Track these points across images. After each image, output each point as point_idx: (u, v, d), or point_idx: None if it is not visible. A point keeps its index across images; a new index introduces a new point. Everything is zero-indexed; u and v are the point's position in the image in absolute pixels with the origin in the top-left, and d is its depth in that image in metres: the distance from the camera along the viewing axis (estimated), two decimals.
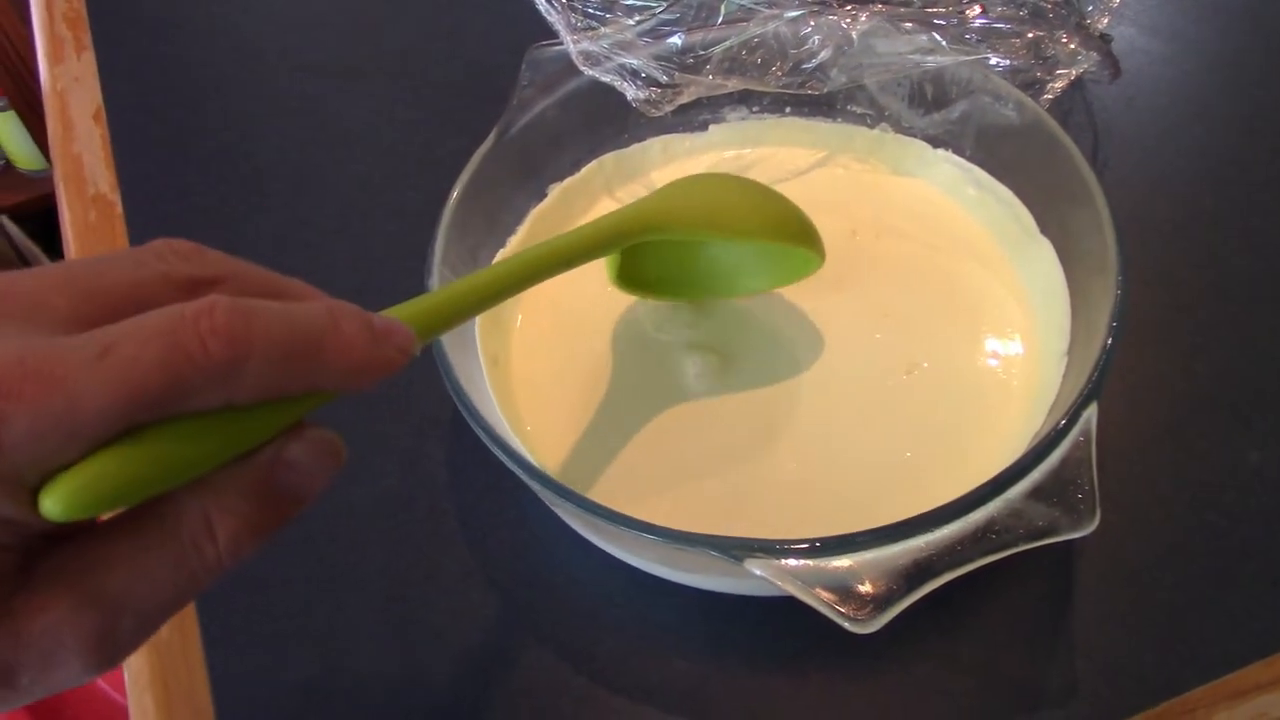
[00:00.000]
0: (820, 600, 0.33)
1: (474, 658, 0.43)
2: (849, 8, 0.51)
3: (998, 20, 0.53)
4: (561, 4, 0.51)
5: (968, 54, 0.50)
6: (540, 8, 0.51)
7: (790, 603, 0.36)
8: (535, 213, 0.52)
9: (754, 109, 0.55)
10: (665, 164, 0.55)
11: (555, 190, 0.53)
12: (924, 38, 0.50)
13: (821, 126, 0.55)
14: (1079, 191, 0.44)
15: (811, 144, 0.56)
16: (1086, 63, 0.54)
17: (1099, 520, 0.35)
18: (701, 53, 0.51)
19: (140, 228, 0.60)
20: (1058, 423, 0.36)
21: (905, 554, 0.34)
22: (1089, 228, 0.44)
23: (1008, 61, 0.53)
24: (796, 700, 0.41)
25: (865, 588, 0.33)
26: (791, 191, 0.54)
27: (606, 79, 0.50)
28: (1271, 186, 0.56)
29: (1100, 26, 0.57)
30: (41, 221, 1.63)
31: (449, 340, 0.42)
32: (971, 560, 0.34)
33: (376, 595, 0.45)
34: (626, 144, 0.55)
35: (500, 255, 0.50)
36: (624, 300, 0.50)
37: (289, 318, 0.26)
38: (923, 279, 0.50)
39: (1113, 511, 0.35)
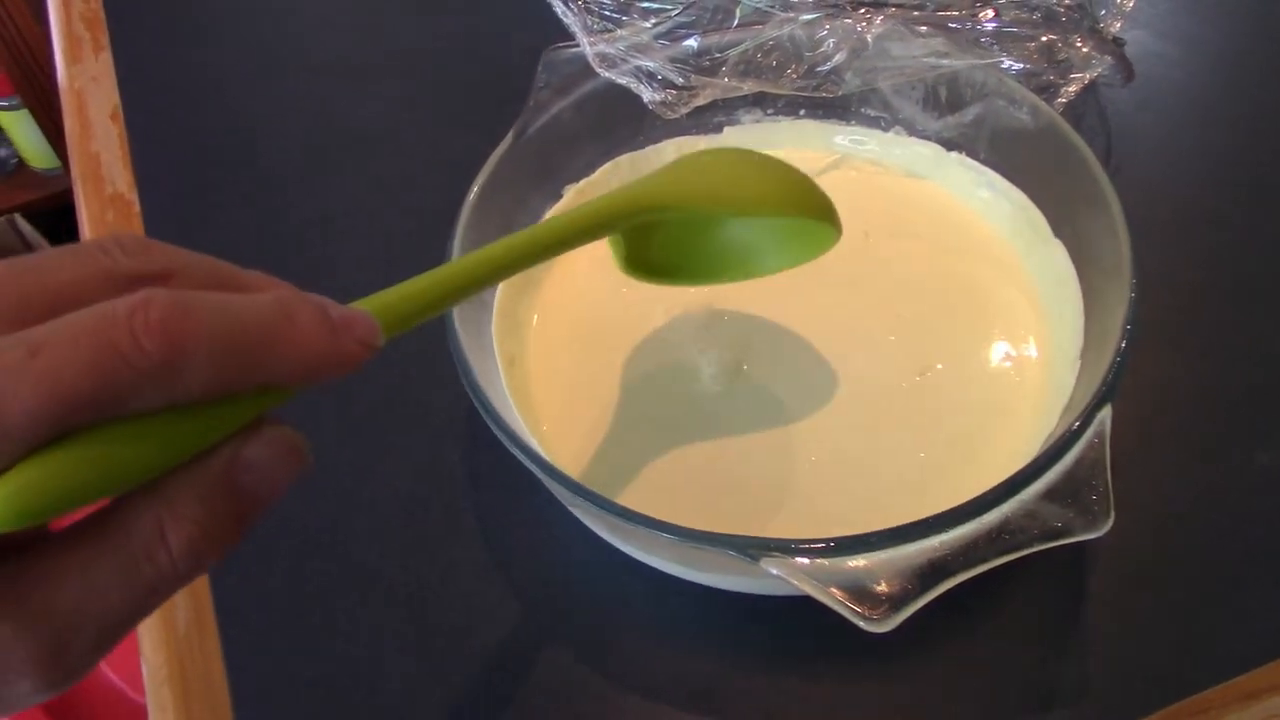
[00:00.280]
0: (836, 599, 0.34)
1: (491, 656, 0.43)
2: (864, 11, 0.52)
3: (1011, 24, 0.54)
4: (578, 6, 0.51)
5: (981, 57, 0.50)
6: (557, 10, 0.52)
7: (804, 602, 0.36)
8: (551, 214, 0.52)
9: (768, 111, 0.56)
10: None
11: (570, 191, 0.53)
12: (938, 41, 0.50)
13: (836, 129, 0.56)
14: (1093, 195, 0.45)
15: (825, 146, 0.56)
16: (1100, 66, 0.54)
17: (1113, 521, 0.35)
18: (717, 55, 0.51)
19: (158, 226, 0.61)
20: (1072, 424, 0.37)
21: (920, 554, 0.34)
22: (1102, 231, 0.44)
23: (1021, 65, 0.53)
24: (810, 699, 0.41)
25: (881, 587, 0.34)
26: None
27: (623, 81, 0.50)
28: None
29: (1113, 30, 0.58)
30: (54, 220, 1.63)
31: (467, 341, 0.42)
32: (986, 560, 0.34)
33: (394, 593, 0.45)
34: (641, 146, 0.55)
35: None
36: (640, 301, 0.50)
37: (233, 311, 0.24)
38: (936, 281, 0.50)
39: (1123, 513, 0.35)
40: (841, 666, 0.42)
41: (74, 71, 0.71)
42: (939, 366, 0.47)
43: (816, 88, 0.52)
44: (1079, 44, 0.54)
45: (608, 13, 0.52)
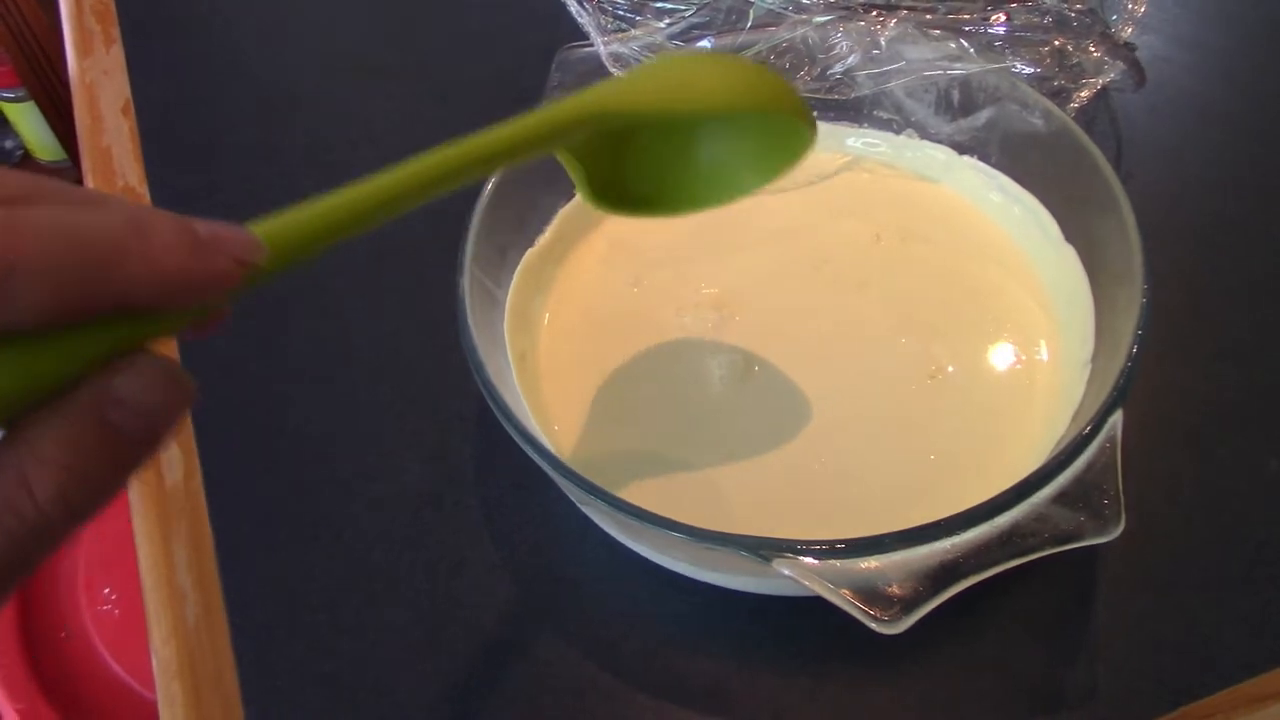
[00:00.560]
0: (847, 601, 0.34)
1: (499, 653, 0.44)
2: (876, 14, 0.52)
3: (1023, 28, 0.54)
4: (593, 6, 0.52)
5: (994, 61, 0.51)
6: (571, 9, 0.52)
7: (813, 603, 0.36)
8: (562, 213, 0.52)
9: None
10: None
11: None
12: (951, 44, 0.51)
13: (848, 131, 0.56)
14: (1104, 200, 0.45)
15: (837, 148, 0.56)
16: (1112, 71, 0.54)
17: (1124, 526, 0.35)
18: None
19: None
20: (1084, 428, 0.37)
21: (932, 556, 0.34)
22: (1114, 236, 0.44)
23: (1033, 69, 0.53)
24: (818, 699, 0.41)
25: (892, 589, 0.34)
26: (816, 195, 0.54)
27: None
28: None
29: (1124, 36, 0.58)
30: None
31: (479, 337, 0.42)
32: (997, 563, 0.34)
33: (403, 589, 0.46)
34: None
35: (528, 255, 0.50)
36: (651, 300, 0.50)
37: (72, 226, 0.22)
38: (947, 284, 0.50)
39: (1132, 517, 0.36)
40: (851, 667, 0.42)
41: (85, 65, 0.71)
42: (950, 369, 0.47)
43: (829, 90, 0.52)
44: (1091, 49, 0.54)
45: (622, 13, 0.52)
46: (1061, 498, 0.36)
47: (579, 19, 0.52)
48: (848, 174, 0.55)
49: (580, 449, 0.45)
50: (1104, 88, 0.56)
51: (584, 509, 0.44)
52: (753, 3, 0.52)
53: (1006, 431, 0.45)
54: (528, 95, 0.51)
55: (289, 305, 0.56)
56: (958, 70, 0.50)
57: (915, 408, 0.46)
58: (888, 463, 0.44)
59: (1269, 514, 0.45)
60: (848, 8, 0.52)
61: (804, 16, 0.51)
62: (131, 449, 0.24)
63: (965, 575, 0.34)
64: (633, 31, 0.51)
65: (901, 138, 0.55)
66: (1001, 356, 0.47)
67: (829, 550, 0.35)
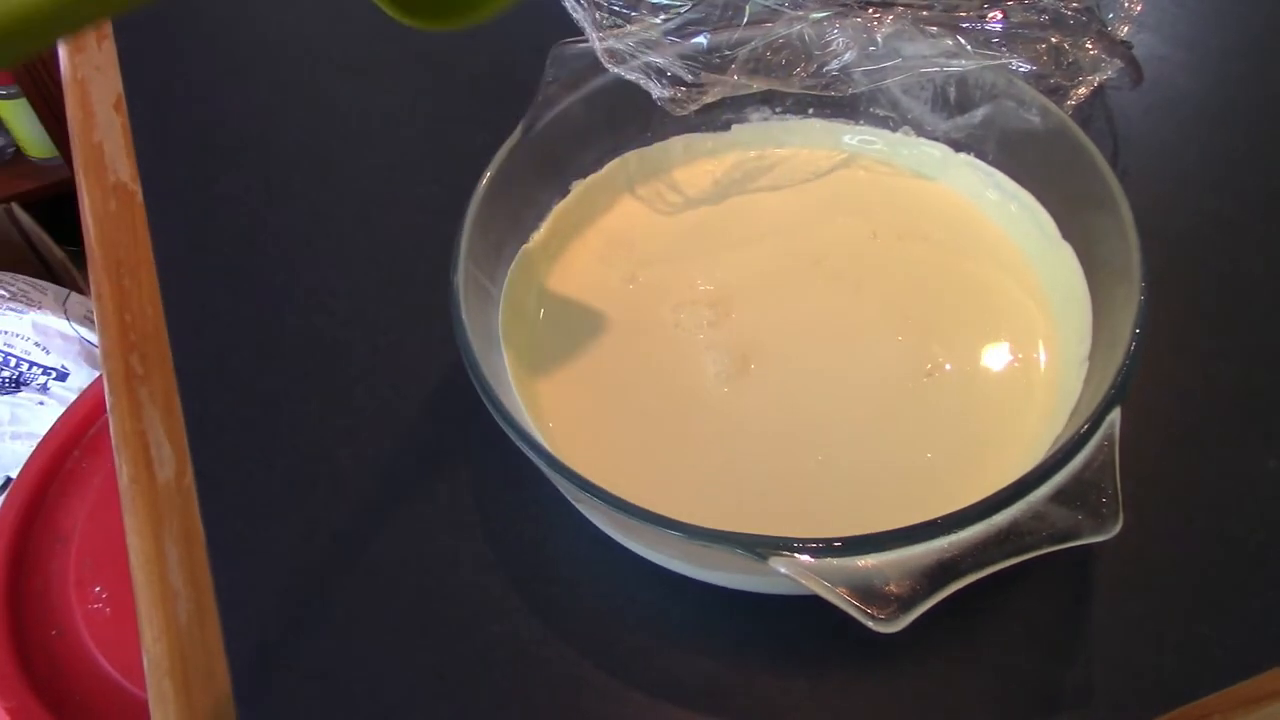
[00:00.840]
0: (844, 599, 0.34)
1: (493, 651, 0.43)
2: (873, 10, 0.51)
3: (1019, 25, 0.54)
4: (588, 2, 0.51)
5: (991, 58, 0.50)
6: (567, 5, 0.51)
7: (809, 601, 0.36)
8: (558, 209, 0.52)
9: (777, 110, 0.55)
10: (687, 163, 0.56)
11: (578, 187, 0.53)
12: (948, 41, 0.50)
13: (844, 128, 0.55)
14: (1102, 197, 0.44)
15: (834, 146, 0.56)
16: (1109, 69, 0.54)
17: (1122, 524, 0.35)
18: (727, 53, 0.51)
19: (161, 216, 0.61)
20: (1081, 426, 0.37)
21: (929, 554, 0.34)
22: (1111, 234, 0.44)
23: (1029, 67, 0.53)
24: (815, 698, 0.41)
25: (889, 587, 0.34)
26: (812, 192, 0.54)
27: (632, 77, 0.50)
28: None
29: (1121, 34, 0.58)
30: (51, 209, 1.63)
31: (474, 333, 0.42)
32: (995, 562, 0.34)
33: (396, 586, 0.45)
34: (649, 142, 0.55)
35: (523, 251, 0.50)
36: (647, 297, 0.50)
37: None
38: (944, 282, 0.50)
39: (1130, 517, 0.35)
40: (847, 666, 0.42)
41: (77, 61, 0.71)
42: (947, 367, 0.47)
43: (825, 86, 0.52)
44: (1088, 46, 0.54)
45: (617, 8, 0.52)
46: (1059, 496, 0.35)
47: (574, 14, 0.52)
48: (844, 171, 0.55)
49: (575, 445, 0.45)
50: (1101, 85, 0.56)
51: (578, 506, 0.43)
52: None
53: (1003, 429, 0.44)
54: (522, 91, 0.51)
55: (281, 300, 0.56)
56: (954, 67, 0.50)
57: (912, 406, 0.46)
58: (884, 461, 0.44)
59: (1267, 514, 0.45)
60: (844, 4, 0.52)
61: (800, 13, 0.51)
62: None
63: (963, 574, 0.34)
64: (628, 27, 0.51)
65: (898, 135, 0.54)
66: (998, 354, 0.47)
67: (825, 548, 0.34)
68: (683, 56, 0.51)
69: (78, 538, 0.90)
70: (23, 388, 1.13)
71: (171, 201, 0.62)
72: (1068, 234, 0.48)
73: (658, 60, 0.50)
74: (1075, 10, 0.56)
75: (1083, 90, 0.54)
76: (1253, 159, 0.59)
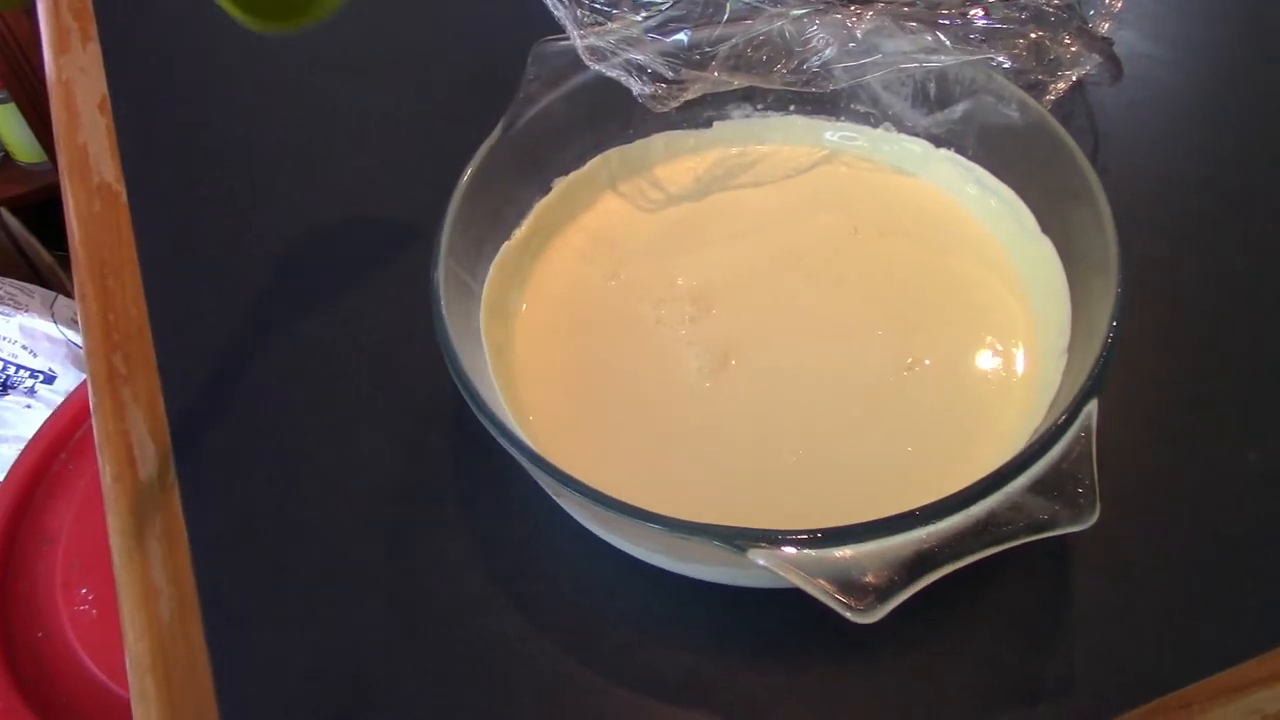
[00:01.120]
0: (822, 590, 0.34)
1: (475, 646, 0.43)
2: (853, 7, 0.52)
3: (1000, 21, 0.54)
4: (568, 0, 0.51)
5: (971, 54, 0.50)
6: (548, 3, 0.52)
7: (790, 594, 0.36)
8: (539, 206, 0.52)
9: (758, 106, 0.56)
10: (669, 160, 0.56)
11: (560, 184, 0.53)
12: (928, 37, 0.50)
13: (825, 125, 0.56)
14: (1081, 191, 0.45)
15: (815, 142, 0.56)
16: (1089, 64, 0.54)
17: (1099, 514, 0.35)
18: (708, 50, 0.51)
19: (145, 217, 0.61)
20: (1059, 417, 0.37)
21: (907, 545, 0.34)
22: (1090, 227, 0.44)
23: (1009, 63, 0.53)
24: (796, 690, 0.41)
25: (867, 578, 0.34)
26: (794, 189, 0.54)
27: (613, 74, 0.50)
28: (1270, 189, 0.57)
29: (1102, 31, 0.58)
30: (40, 214, 1.63)
31: (454, 329, 0.42)
32: (973, 552, 0.34)
33: (378, 583, 0.45)
34: (631, 139, 0.55)
35: (505, 248, 0.50)
36: (628, 293, 0.50)
37: None
38: (924, 277, 0.50)
39: (1110, 508, 0.36)
40: (827, 658, 0.42)
41: (62, 62, 0.71)
42: (927, 361, 0.47)
43: (806, 83, 0.52)
44: (1067, 42, 0.54)
45: (598, 6, 0.52)
46: (1037, 487, 0.36)
47: (554, 12, 0.52)
48: (825, 167, 0.55)
49: (556, 441, 0.45)
50: (1080, 81, 0.56)
51: (559, 500, 0.43)
52: None
53: (983, 422, 0.45)
54: (504, 88, 0.51)
55: (263, 298, 0.56)
56: (934, 63, 0.50)
57: (892, 400, 0.46)
58: (864, 454, 0.44)
59: (1246, 506, 0.45)
60: (825, 1, 0.52)
61: (781, 9, 0.51)
62: None
63: (941, 564, 0.34)
64: (609, 25, 0.51)
65: (879, 131, 0.55)
66: (978, 348, 0.47)
67: (804, 540, 0.34)
68: (664, 54, 0.51)
69: (64, 540, 0.90)
70: (10, 390, 1.13)
71: (156, 202, 0.62)
72: (1047, 228, 0.48)
73: (639, 57, 0.50)
74: (1055, 7, 0.56)
75: (1062, 85, 0.54)
76: (1233, 155, 0.59)
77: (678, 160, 0.56)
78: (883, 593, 0.34)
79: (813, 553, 0.34)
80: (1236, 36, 0.67)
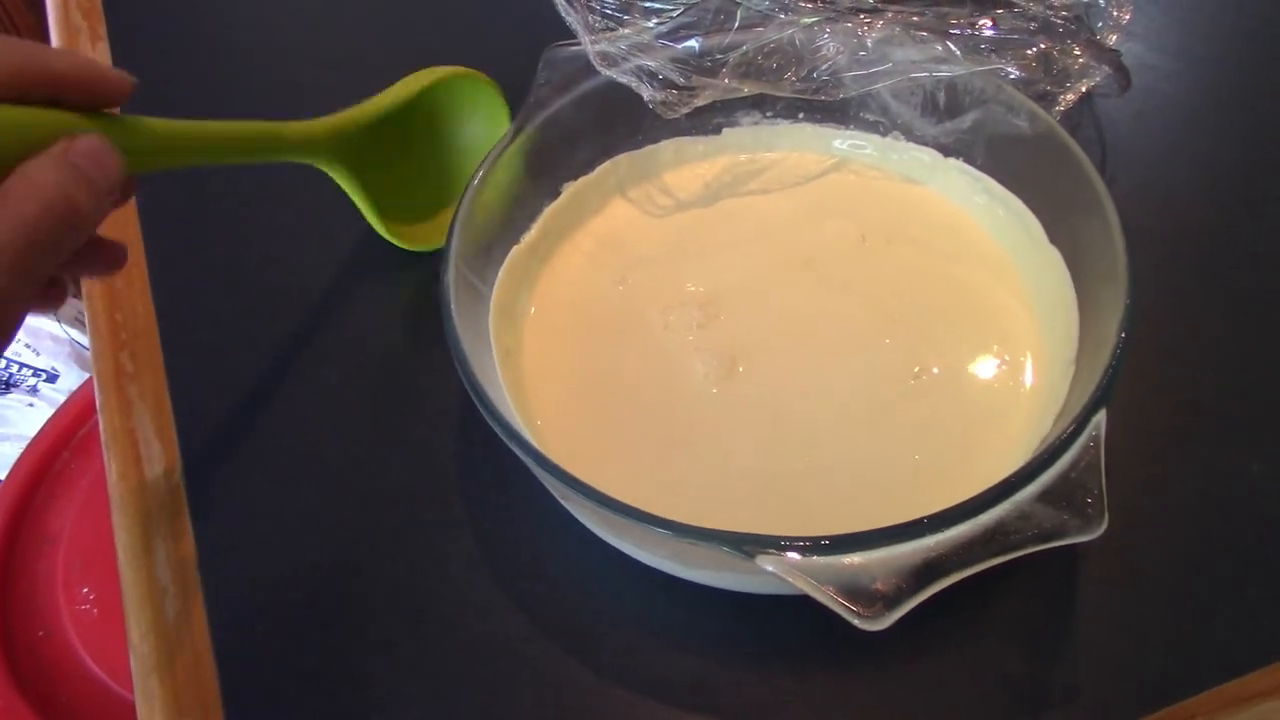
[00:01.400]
0: (830, 597, 0.34)
1: (481, 650, 0.43)
2: (864, 16, 0.52)
3: (1010, 32, 0.54)
4: (580, 5, 0.52)
5: (980, 64, 0.51)
6: (559, 8, 0.52)
7: (796, 601, 0.36)
8: (549, 211, 0.52)
9: (767, 114, 0.56)
10: (678, 166, 0.56)
11: (569, 189, 0.53)
12: (938, 47, 0.51)
13: (834, 133, 0.56)
14: (1089, 202, 0.45)
15: (824, 150, 0.56)
16: (1098, 75, 0.54)
17: (1107, 524, 0.35)
18: (718, 56, 0.51)
19: (153, 216, 0.61)
20: (1067, 427, 0.37)
21: (916, 553, 0.34)
22: (1098, 237, 0.44)
23: (1018, 73, 0.53)
24: (801, 697, 0.41)
25: (876, 585, 0.34)
26: (802, 196, 0.54)
27: (624, 79, 0.50)
28: (1276, 201, 0.57)
29: (1110, 43, 0.58)
30: None
31: (464, 332, 0.42)
32: (981, 560, 0.34)
33: (383, 584, 0.45)
34: (640, 145, 0.55)
35: (514, 252, 0.50)
36: (636, 298, 0.51)
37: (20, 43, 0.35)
38: (932, 285, 0.50)
39: (1116, 518, 0.36)
40: (833, 665, 0.42)
41: None
42: (934, 370, 0.47)
43: (815, 91, 0.52)
44: (1076, 53, 0.54)
45: (609, 11, 0.52)
46: (1045, 496, 0.36)
47: (566, 18, 0.52)
48: (834, 175, 0.56)
49: (563, 445, 0.45)
50: (1089, 92, 0.56)
51: (566, 505, 0.43)
52: (740, 3, 0.52)
53: (990, 431, 0.45)
54: (515, 93, 0.51)
55: (271, 298, 0.56)
56: (944, 73, 0.50)
57: (899, 407, 0.46)
58: (872, 461, 0.44)
59: (1251, 517, 0.45)
60: (835, 9, 0.52)
61: (791, 18, 0.51)
62: (89, 186, 0.35)
63: (949, 572, 0.34)
64: (620, 30, 0.51)
65: (887, 140, 0.55)
66: (986, 357, 0.47)
67: (813, 546, 0.34)
68: (674, 60, 0.51)
69: (66, 539, 0.90)
70: (12, 389, 1.13)
71: (163, 201, 0.62)
72: (1055, 238, 0.48)
73: (649, 63, 0.51)
74: (1064, 19, 0.56)
75: (1071, 96, 0.54)
76: (1240, 167, 0.59)
77: (687, 166, 0.56)
78: (891, 600, 0.34)
79: (821, 559, 0.34)
80: (1243, 49, 0.67)
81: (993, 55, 0.52)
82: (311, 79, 0.69)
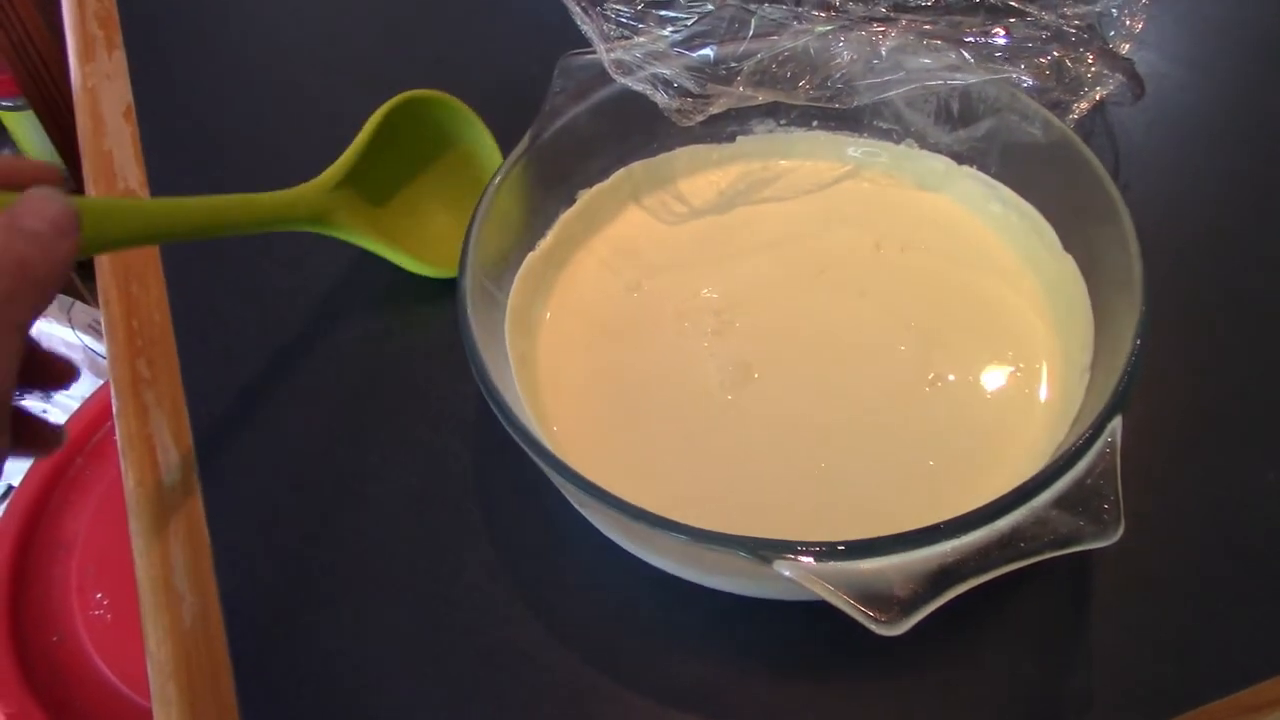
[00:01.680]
0: (848, 602, 0.34)
1: (497, 656, 0.43)
2: (877, 24, 0.52)
3: (1023, 40, 0.54)
4: (595, 13, 0.52)
5: (994, 73, 0.51)
6: (575, 17, 0.52)
7: (810, 607, 0.36)
8: (564, 218, 0.52)
9: (781, 122, 0.56)
10: (692, 173, 0.56)
11: (584, 196, 0.53)
12: (951, 55, 0.51)
13: (848, 141, 0.56)
14: (1104, 209, 0.45)
15: (837, 158, 0.56)
16: (1112, 83, 0.54)
17: (1123, 530, 0.35)
18: (733, 64, 0.51)
19: None
20: (1084, 433, 0.37)
21: (932, 558, 0.34)
22: (1113, 244, 0.44)
23: (1031, 81, 0.54)
24: (816, 703, 0.41)
25: (893, 591, 0.34)
26: (816, 204, 0.55)
27: (639, 88, 0.51)
28: None
29: (1122, 52, 0.58)
30: None
31: (481, 338, 0.42)
32: (998, 566, 0.34)
33: (400, 592, 0.45)
34: (655, 153, 0.55)
35: (529, 259, 0.50)
36: (650, 305, 0.51)
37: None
38: (946, 292, 0.51)
39: (1129, 525, 0.36)
40: (848, 672, 0.42)
41: (88, 70, 0.71)
42: (950, 377, 0.47)
43: (830, 99, 0.52)
44: (1090, 61, 0.54)
45: (624, 20, 0.52)
46: (1061, 502, 0.36)
47: (581, 26, 0.52)
48: (848, 183, 0.56)
49: (579, 452, 0.45)
50: (1102, 101, 0.56)
51: (583, 511, 0.44)
52: (754, 12, 0.52)
53: (1005, 438, 0.45)
54: (529, 102, 0.52)
55: (286, 304, 0.56)
56: (958, 81, 0.51)
57: (914, 414, 0.46)
58: (887, 468, 0.45)
59: (1266, 525, 0.45)
60: (849, 18, 0.53)
61: (806, 26, 0.52)
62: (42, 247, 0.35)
63: (965, 578, 0.34)
64: (635, 39, 0.52)
65: (901, 147, 0.55)
66: (1000, 364, 0.47)
67: (829, 551, 0.35)
68: (689, 68, 0.51)
69: (80, 545, 0.91)
70: (26, 395, 1.14)
71: None
72: (1070, 245, 0.48)
73: (665, 71, 0.51)
74: (1076, 28, 0.56)
75: (1084, 105, 0.54)
76: (1250, 175, 0.59)
77: (700, 174, 0.56)
78: (908, 605, 0.34)
79: (838, 564, 0.34)
80: (1255, 57, 0.67)
81: (1006, 63, 0.52)
82: (330, 84, 0.69)
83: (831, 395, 0.47)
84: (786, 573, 0.34)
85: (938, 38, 0.52)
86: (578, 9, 0.52)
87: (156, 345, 0.55)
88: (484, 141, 0.58)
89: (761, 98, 0.52)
